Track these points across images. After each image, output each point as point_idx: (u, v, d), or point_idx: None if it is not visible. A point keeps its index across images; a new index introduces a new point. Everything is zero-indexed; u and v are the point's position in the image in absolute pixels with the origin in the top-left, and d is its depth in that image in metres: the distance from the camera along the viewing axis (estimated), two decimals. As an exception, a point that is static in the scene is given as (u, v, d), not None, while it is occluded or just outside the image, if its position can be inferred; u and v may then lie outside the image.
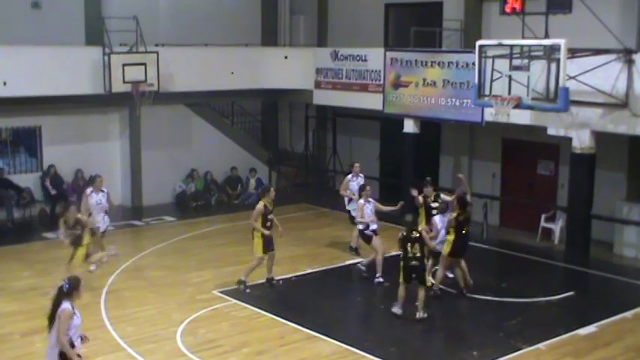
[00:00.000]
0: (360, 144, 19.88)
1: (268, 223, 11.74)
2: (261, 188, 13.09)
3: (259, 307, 11.23)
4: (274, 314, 10.95)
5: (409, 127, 16.55)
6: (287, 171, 20.65)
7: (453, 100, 15.38)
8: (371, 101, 17.08)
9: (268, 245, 11.79)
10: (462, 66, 15.13)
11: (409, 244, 10.47)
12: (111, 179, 17.79)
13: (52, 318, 7.12)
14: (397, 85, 16.51)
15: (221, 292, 11.88)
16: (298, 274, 12.95)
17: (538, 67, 12.03)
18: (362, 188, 12.74)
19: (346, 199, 14.14)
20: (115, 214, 16.84)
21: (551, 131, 13.76)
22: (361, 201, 12.55)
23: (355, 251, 13.73)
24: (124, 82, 16.01)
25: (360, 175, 14.10)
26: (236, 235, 15.53)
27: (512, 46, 12.36)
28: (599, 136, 13.47)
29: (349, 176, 14.11)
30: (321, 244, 14.93)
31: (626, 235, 14.25)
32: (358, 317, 11.44)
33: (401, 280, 10.69)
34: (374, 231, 12.46)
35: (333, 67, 18.04)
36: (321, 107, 20.08)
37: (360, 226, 12.50)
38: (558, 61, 11.65)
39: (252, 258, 12.01)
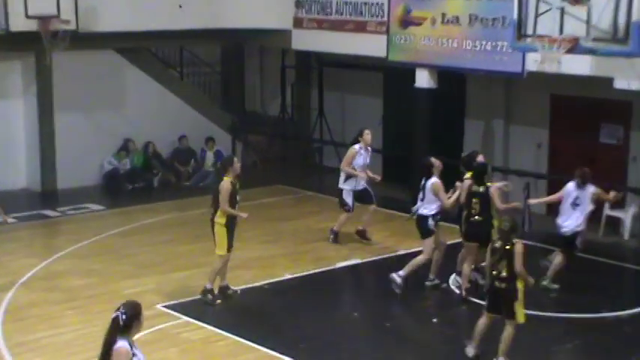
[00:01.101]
0: (356, 104, 19.90)
1: (237, 207, 11.84)
2: (221, 161, 13.18)
3: (219, 327, 11.24)
4: (240, 336, 10.95)
5: (423, 80, 16.54)
6: (257, 141, 20.82)
7: (483, 42, 15.37)
8: (371, 45, 17.08)
9: (231, 240, 11.93)
10: (496, -5, 15.08)
11: (495, 258, 9.92)
12: (10, 152, 17.59)
13: (105, 358, 7.21)
14: (406, 22, 16.50)
15: (167, 307, 11.89)
16: (272, 280, 13.00)
17: (602, -6, 11.93)
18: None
19: (343, 176, 14.36)
20: (18, 202, 16.70)
21: (619, 84, 13.63)
22: (355, 146, 13.85)
23: (335, 237, 14.62)
24: (27, 16, 15.92)
25: (369, 147, 14.43)
26: (188, 228, 15.57)
27: (566, -33, 12.32)
28: (686, 90, 13.33)
29: (356, 146, 14.29)
30: (304, 241, 15.00)
31: None
32: (355, 340, 11.37)
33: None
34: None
35: (319, -1, 18.04)
36: (303, 54, 20.14)
37: (427, 213, 12.20)
38: (632, -15, 11.55)
39: (213, 258, 12.08)
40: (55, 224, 16.29)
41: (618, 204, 15.35)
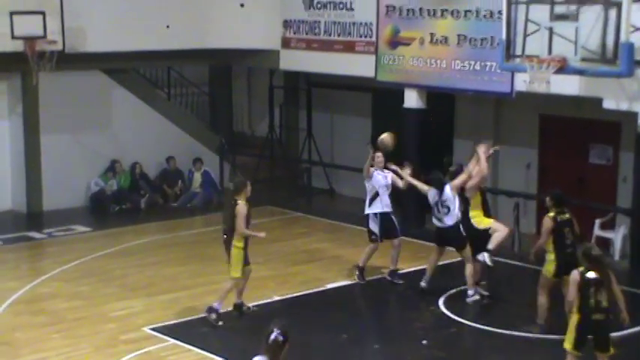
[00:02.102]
0: (345, 124, 19.94)
1: (249, 227, 12.17)
2: (235, 182, 13.00)
3: (207, 350, 11.18)
4: (228, 359, 10.90)
5: (412, 100, 16.59)
6: (245, 162, 20.74)
7: (472, 62, 15.43)
8: (359, 66, 17.14)
9: (246, 259, 12.17)
10: (485, 15, 15.14)
11: (593, 289, 9.35)
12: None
13: None
14: (395, 43, 16.55)
15: (154, 330, 11.83)
16: (261, 302, 12.94)
17: (590, 15, 12.07)
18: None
19: (367, 199, 13.65)
20: (3, 224, 16.61)
21: (608, 104, 13.69)
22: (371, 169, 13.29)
23: (360, 273, 13.69)
24: (13, 37, 15.95)
25: (387, 171, 13.61)
26: (175, 250, 15.59)
27: (554, -13, 12.41)
28: (675, 111, 13.38)
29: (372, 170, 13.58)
30: (293, 262, 14.98)
31: None
32: None
33: (569, 345, 9.50)
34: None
35: (307, 19, 18.07)
36: (291, 74, 20.21)
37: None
38: (620, 6, 11.69)
39: (224, 278, 12.22)
40: (40, 246, 16.21)
41: (609, 225, 15.38)
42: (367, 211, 13.52)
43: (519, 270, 14.62)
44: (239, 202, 11.94)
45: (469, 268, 12.64)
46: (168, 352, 11.10)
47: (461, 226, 12.67)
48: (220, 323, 11.99)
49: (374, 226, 13.41)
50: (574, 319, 9.45)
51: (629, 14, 11.72)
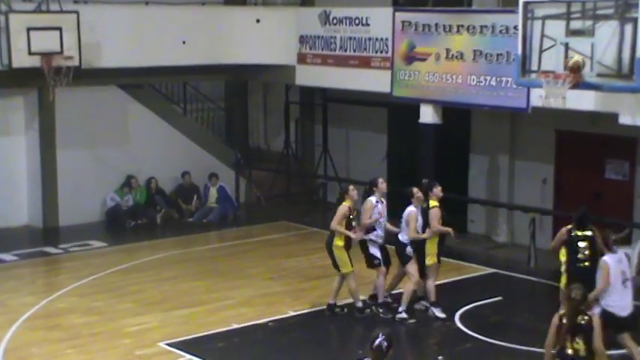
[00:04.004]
0: (361, 140, 19.94)
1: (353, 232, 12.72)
2: (341, 190, 13.50)
3: (223, 366, 11.20)
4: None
5: (427, 115, 16.56)
6: (261, 177, 20.75)
7: (488, 78, 15.42)
8: (375, 81, 17.13)
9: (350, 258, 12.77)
10: (501, 31, 15.14)
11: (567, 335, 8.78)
12: (12, 189, 17.55)
13: None
14: (410, 58, 16.55)
15: (170, 345, 11.84)
16: (276, 318, 12.94)
17: (606, 30, 12.02)
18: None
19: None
20: (20, 239, 16.67)
21: (624, 120, 13.64)
22: (372, 199, 12.82)
23: (386, 307, 13.04)
24: (30, 53, 15.97)
25: (383, 198, 13.17)
26: (191, 265, 15.62)
27: (569, 3, 12.34)
28: (692, 126, 13.35)
29: (373, 200, 12.88)
30: (308, 277, 14.97)
31: None
32: None
33: None
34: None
35: (323, 35, 18.08)
36: (307, 90, 20.20)
37: (405, 240, 12.73)
38: (636, 21, 11.64)
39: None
40: (56, 261, 16.20)
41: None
42: (365, 236, 12.93)
43: (535, 285, 14.61)
44: (343, 203, 12.67)
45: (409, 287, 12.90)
46: (183, 368, 11.13)
47: (407, 249, 12.76)
48: (367, 311, 12.84)
49: (375, 251, 12.92)
50: None
51: (646, 30, 11.73)
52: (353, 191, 12.78)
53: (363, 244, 12.98)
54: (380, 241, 12.94)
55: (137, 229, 18.19)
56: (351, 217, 12.63)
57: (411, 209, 12.78)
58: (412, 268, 12.73)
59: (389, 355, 7.49)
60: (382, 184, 12.99)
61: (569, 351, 8.76)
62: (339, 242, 12.60)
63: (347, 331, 12.61)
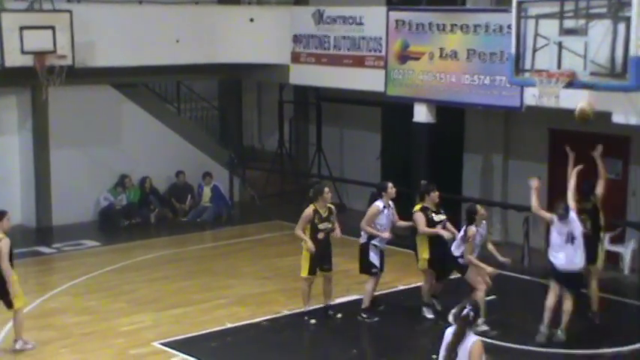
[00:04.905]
0: (355, 138, 19.98)
1: (320, 235, 12.50)
2: (313, 189, 12.99)
3: (217, 365, 11.20)
4: (238, 375, 10.94)
5: (421, 114, 16.57)
6: (255, 176, 20.81)
7: (481, 77, 15.45)
8: (368, 80, 17.15)
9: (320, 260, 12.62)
10: (494, 30, 15.16)
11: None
12: (5, 188, 17.54)
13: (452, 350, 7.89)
14: (404, 57, 16.57)
15: (164, 344, 11.84)
16: (270, 317, 12.96)
17: (600, 29, 12.02)
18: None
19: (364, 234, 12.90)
20: (13, 239, 16.67)
21: (617, 119, 13.67)
22: (379, 204, 12.66)
23: (369, 313, 12.85)
24: (23, 52, 15.97)
25: (391, 203, 12.91)
26: (185, 264, 15.63)
27: (563, 2, 12.34)
28: (685, 125, 13.37)
29: (380, 204, 12.70)
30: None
31: None
32: None
33: None
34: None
35: (317, 34, 18.10)
36: (301, 89, 20.23)
37: (457, 253, 12.33)
38: (629, 20, 11.61)
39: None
40: (49, 261, 16.20)
41: (619, 239, 15.37)
42: (366, 240, 12.73)
43: (529, 284, 14.62)
44: (310, 206, 12.52)
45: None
46: (177, 367, 11.12)
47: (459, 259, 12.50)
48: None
49: (374, 258, 12.69)
50: None
51: (639, 28, 11.71)
52: (328, 194, 12.56)
53: (364, 248, 12.71)
54: (382, 246, 12.74)
55: (131, 229, 18.22)
56: (315, 220, 12.38)
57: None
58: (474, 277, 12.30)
59: (475, 324, 8.07)
60: (391, 189, 12.73)
61: None
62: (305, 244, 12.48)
63: (339, 332, 12.59)
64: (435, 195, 12.76)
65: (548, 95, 12.79)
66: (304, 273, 12.63)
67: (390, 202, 12.78)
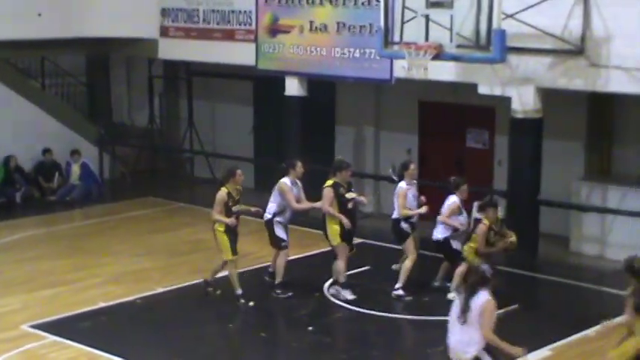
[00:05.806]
0: (227, 113, 19.94)
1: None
2: (226, 171, 12.64)
3: (88, 345, 11.03)
4: (111, 353, 10.77)
5: (293, 88, 16.69)
6: (125, 153, 20.58)
7: (351, 50, 15.63)
8: (239, 54, 17.18)
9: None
10: (363, 3, 15.37)
11: None
12: None
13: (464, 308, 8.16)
14: (274, 30, 16.63)
15: (34, 327, 11.63)
16: (145, 294, 12.85)
17: (464, 2, 12.28)
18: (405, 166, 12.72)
19: (276, 208, 12.74)
20: None
21: (483, 90, 14.08)
22: (403, 185, 12.52)
23: (283, 288, 12.65)
24: None
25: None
26: (54, 244, 15.37)
27: (428, -27, 12.60)
28: (548, 95, 13.84)
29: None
30: (177, 253, 14.91)
31: (586, 227, 14.76)
32: (230, 352, 11.44)
33: None
34: (413, 224, 12.62)
35: (186, 8, 18.02)
36: (171, 63, 20.07)
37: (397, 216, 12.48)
38: (492, -7, 11.93)
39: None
40: None
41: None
42: (270, 217, 12.63)
43: (401, 254, 14.89)
44: (222, 188, 12.22)
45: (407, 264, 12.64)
46: (47, 350, 10.93)
47: (402, 224, 12.57)
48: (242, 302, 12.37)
49: (281, 232, 12.61)
50: None
51: (501, 2, 12.00)
52: (240, 176, 12.31)
53: (269, 225, 12.63)
54: (285, 222, 12.61)
55: (-5, 209, 17.76)
56: (229, 203, 12.15)
57: (400, 185, 12.54)
58: (410, 245, 12.48)
59: (489, 284, 8.28)
60: (300, 168, 12.61)
61: None
62: (219, 227, 12.17)
63: (216, 307, 12.59)
64: (347, 172, 12.47)
65: (417, 67, 13.01)
66: (227, 255, 12.30)
67: (298, 181, 12.63)
